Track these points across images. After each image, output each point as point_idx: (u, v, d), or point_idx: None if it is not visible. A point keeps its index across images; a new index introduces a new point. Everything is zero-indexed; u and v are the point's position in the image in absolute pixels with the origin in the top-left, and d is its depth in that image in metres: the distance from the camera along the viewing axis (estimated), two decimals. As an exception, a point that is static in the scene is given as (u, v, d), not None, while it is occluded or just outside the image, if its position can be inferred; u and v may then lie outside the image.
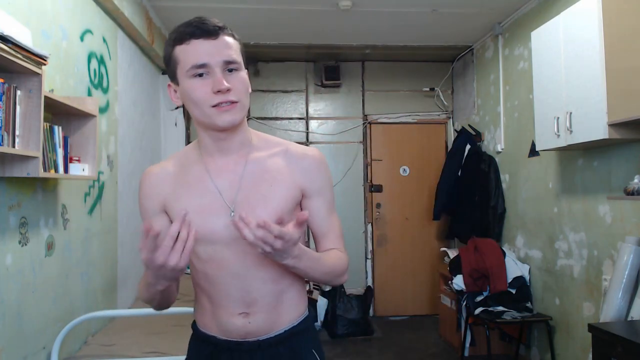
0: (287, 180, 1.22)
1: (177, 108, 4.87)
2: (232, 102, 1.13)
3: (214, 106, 1.12)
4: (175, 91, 1.20)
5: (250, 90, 1.20)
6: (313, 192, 1.26)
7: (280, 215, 1.14)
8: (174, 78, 1.18)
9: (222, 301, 1.22)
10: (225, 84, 1.10)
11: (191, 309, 2.35)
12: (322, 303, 4.78)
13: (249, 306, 1.21)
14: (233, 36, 1.17)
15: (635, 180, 2.50)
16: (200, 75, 1.12)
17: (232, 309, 1.21)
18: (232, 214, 1.17)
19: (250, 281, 1.20)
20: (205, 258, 1.21)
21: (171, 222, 1.23)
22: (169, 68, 1.19)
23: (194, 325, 1.34)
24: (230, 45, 1.14)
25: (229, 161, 1.22)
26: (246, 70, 1.20)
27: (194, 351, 1.32)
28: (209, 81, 1.12)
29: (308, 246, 1.21)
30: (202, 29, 1.12)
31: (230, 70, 1.13)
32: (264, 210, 1.17)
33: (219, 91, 1.10)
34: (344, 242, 1.33)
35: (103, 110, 3.15)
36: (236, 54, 1.15)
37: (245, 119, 1.23)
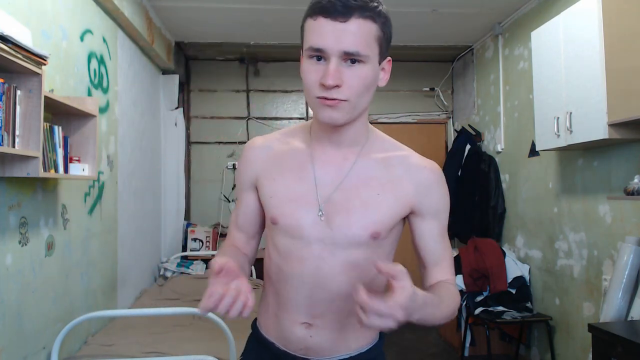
0: (399, 193, 1.08)
1: (176, 108, 4.87)
2: (338, 100, 0.98)
3: (317, 98, 0.99)
4: (302, 62, 1.05)
5: (381, 84, 1.05)
6: (428, 212, 1.10)
7: (377, 230, 1.06)
8: (302, 48, 1.04)
9: (288, 304, 1.11)
10: (332, 79, 0.95)
11: (191, 309, 2.36)
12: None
13: (314, 318, 1.10)
14: (374, 19, 0.98)
15: (635, 180, 2.50)
16: (318, 58, 0.98)
17: (295, 315, 1.10)
18: (321, 213, 1.07)
19: (320, 290, 1.08)
20: (284, 252, 1.11)
21: (259, 199, 1.17)
22: (301, 37, 1.05)
23: (255, 325, 1.24)
24: (360, 32, 0.96)
25: (338, 154, 1.10)
26: (386, 59, 1.04)
27: (254, 354, 1.21)
28: (322, 68, 0.98)
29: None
30: (334, 6, 0.95)
31: (353, 62, 0.97)
32: (360, 220, 1.06)
33: (324, 84, 0.97)
34: (454, 272, 1.16)
35: (103, 110, 3.15)
36: (365, 43, 0.97)
37: (364, 115, 1.09)
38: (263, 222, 1.23)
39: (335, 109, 0.99)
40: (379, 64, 1.03)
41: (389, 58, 1.05)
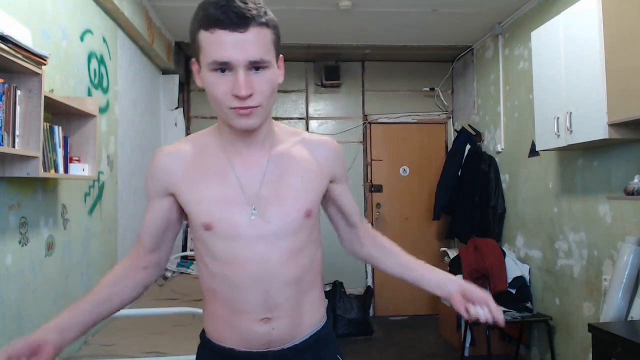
0: (317, 168, 1.18)
1: (176, 108, 4.87)
2: (252, 107, 1.03)
3: (232, 108, 1.03)
4: (198, 72, 1.08)
5: (280, 81, 1.10)
6: (341, 177, 1.26)
7: (309, 207, 1.14)
8: (197, 59, 1.06)
9: (242, 306, 1.13)
10: (244, 90, 0.99)
11: (191, 309, 2.36)
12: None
13: (272, 311, 1.13)
14: (267, 25, 1.02)
15: (635, 180, 2.50)
16: (222, 70, 1.00)
17: (253, 314, 1.12)
18: (254, 210, 1.10)
19: (272, 283, 1.12)
20: (225, 258, 1.12)
21: (177, 212, 1.19)
22: (192, 47, 1.06)
23: (204, 336, 1.24)
24: (260, 40, 1.00)
25: (253, 154, 1.14)
26: (278, 60, 1.09)
27: None
28: (230, 79, 1.00)
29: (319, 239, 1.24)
30: (229, 17, 0.97)
31: (258, 69, 1.01)
32: (294, 204, 1.13)
33: (237, 96, 1.00)
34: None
35: (103, 110, 3.15)
36: (266, 50, 1.01)
37: (269, 115, 1.14)
38: (168, 240, 1.23)
39: (251, 116, 1.04)
40: (277, 63, 1.08)
41: (281, 56, 1.10)
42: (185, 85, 5.21)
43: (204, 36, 1.00)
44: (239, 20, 0.97)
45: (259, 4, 1.02)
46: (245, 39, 0.98)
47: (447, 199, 4.84)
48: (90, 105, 2.46)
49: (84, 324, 1.14)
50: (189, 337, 2.82)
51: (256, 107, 1.03)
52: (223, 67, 1.00)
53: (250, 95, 1.01)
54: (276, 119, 5.66)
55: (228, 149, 1.14)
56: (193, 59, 1.08)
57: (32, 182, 2.25)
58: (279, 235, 1.11)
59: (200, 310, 2.21)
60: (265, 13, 1.02)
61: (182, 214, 1.21)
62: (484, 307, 1.15)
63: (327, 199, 1.27)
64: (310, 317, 1.20)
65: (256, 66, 1.01)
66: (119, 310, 1.21)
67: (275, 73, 1.07)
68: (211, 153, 1.15)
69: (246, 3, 0.99)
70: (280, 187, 1.13)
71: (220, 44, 0.98)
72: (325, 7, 3.87)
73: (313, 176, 1.17)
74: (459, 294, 1.18)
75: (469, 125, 4.93)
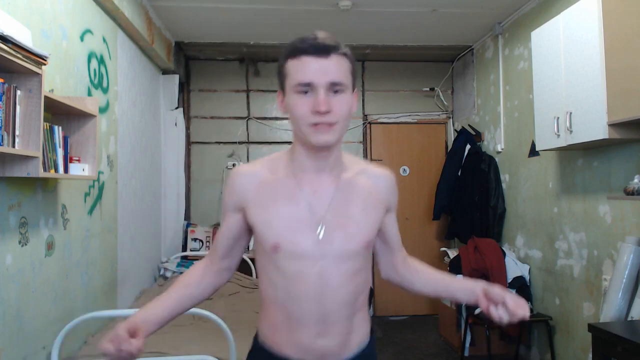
0: (377, 199, 1.28)
1: (176, 108, 4.87)
2: (330, 124, 1.15)
3: (312, 125, 1.15)
4: (282, 100, 1.22)
5: (354, 109, 1.22)
6: (392, 208, 1.36)
7: (369, 239, 1.25)
8: (282, 88, 1.21)
9: (302, 320, 1.22)
10: (324, 106, 1.12)
11: (193, 309, 2.35)
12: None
13: (328, 327, 1.22)
14: (345, 55, 1.18)
15: (635, 180, 2.50)
16: (305, 92, 1.14)
17: (311, 328, 1.22)
18: (322, 229, 1.20)
19: (332, 300, 1.21)
20: (291, 275, 1.21)
21: (248, 225, 1.27)
22: (279, 78, 1.21)
23: (258, 341, 1.32)
24: (339, 66, 1.16)
25: (322, 179, 1.24)
26: (354, 91, 1.22)
27: None
28: (312, 100, 1.14)
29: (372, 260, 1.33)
30: (314, 47, 1.14)
31: (336, 92, 1.15)
32: (357, 232, 1.23)
33: (317, 111, 1.13)
34: None
35: (103, 110, 3.15)
36: (344, 75, 1.16)
37: (341, 139, 1.23)
38: (239, 248, 1.35)
39: (328, 133, 1.15)
40: (352, 93, 1.21)
41: (356, 90, 1.24)
42: (185, 85, 5.21)
43: (291, 64, 1.16)
44: (323, 49, 1.14)
45: (339, 41, 1.18)
46: (327, 63, 1.14)
47: (447, 199, 4.84)
48: (90, 105, 2.46)
49: (163, 319, 1.26)
50: (189, 337, 2.82)
51: (334, 123, 1.15)
52: (306, 88, 1.14)
53: (329, 113, 1.13)
54: (276, 119, 5.64)
55: (298, 175, 1.24)
56: (278, 91, 1.23)
57: (32, 182, 2.25)
58: (341, 258, 1.21)
59: (200, 311, 2.21)
60: (345, 47, 1.19)
61: (249, 233, 1.33)
62: (501, 307, 1.21)
63: None
64: (358, 334, 1.29)
65: (335, 89, 1.14)
66: (190, 309, 1.33)
67: (351, 98, 1.20)
68: (282, 177, 1.25)
69: (326, 38, 1.16)
70: (345, 215, 1.23)
71: (305, 67, 1.14)
72: (325, 7, 3.87)
73: (373, 209, 1.27)
74: (482, 293, 1.26)
75: (469, 125, 4.93)
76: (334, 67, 1.14)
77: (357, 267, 1.24)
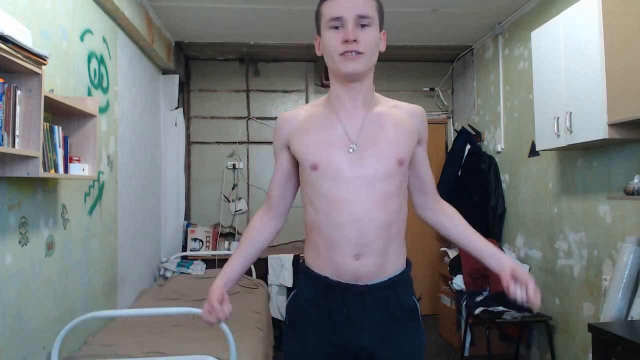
0: (410, 127, 1.39)
1: (176, 108, 4.87)
2: (358, 53, 1.27)
3: (341, 54, 1.28)
4: (319, 43, 1.35)
5: (382, 48, 1.35)
6: (423, 142, 1.45)
7: (402, 157, 1.34)
8: (319, 31, 1.35)
9: (339, 242, 1.32)
10: (352, 35, 1.25)
11: (191, 309, 2.36)
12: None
13: (363, 249, 1.31)
14: None
15: (635, 180, 2.50)
16: (336, 28, 1.28)
17: (347, 250, 1.31)
18: (353, 148, 1.32)
19: (366, 224, 1.30)
20: (328, 196, 1.32)
21: (293, 156, 1.41)
22: (316, 22, 1.35)
23: (304, 264, 1.45)
24: (367, 3, 1.29)
25: (356, 109, 1.36)
26: (382, 31, 1.34)
27: (307, 288, 1.42)
28: (341, 33, 1.27)
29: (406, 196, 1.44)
30: None
31: (363, 26, 1.28)
32: (389, 150, 1.33)
33: (346, 41, 1.26)
34: None
35: (103, 110, 3.15)
36: (370, 10, 1.29)
37: (372, 75, 1.37)
38: (290, 190, 1.50)
39: (356, 61, 1.28)
40: (380, 31, 1.34)
41: (384, 31, 1.37)
42: (185, 85, 5.21)
43: (325, 5, 1.31)
44: None
45: None
46: (355, 0, 1.27)
47: (446, 199, 4.81)
48: (90, 105, 2.46)
49: (239, 276, 1.47)
50: (189, 337, 2.82)
51: (361, 53, 1.28)
52: (337, 23, 1.28)
53: (356, 42, 1.26)
54: (275, 118, 5.64)
55: (335, 104, 1.38)
56: (316, 37, 1.38)
57: (32, 182, 2.25)
58: (374, 178, 1.31)
59: (200, 311, 2.21)
60: None
61: (297, 170, 1.45)
62: (523, 289, 1.32)
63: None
64: (393, 261, 1.38)
65: (362, 23, 1.28)
66: (259, 255, 1.51)
67: (378, 34, 1.32)
68: (320, 110, 1.41)
69: None
70: (377, 137, 1.34)
71: (335, 5, 1.29)
72: (325, 7, 3.86)
73: (406, 131, 1.37)
74: (509, 270, 1.36)
75: (469, 125, 4.93)
76: (362, 3, 1.28)
77: (391, 188, 1.33)
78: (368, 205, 1.30)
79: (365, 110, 1.37)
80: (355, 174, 1.31)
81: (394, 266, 1.39)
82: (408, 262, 1.47)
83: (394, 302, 1.37)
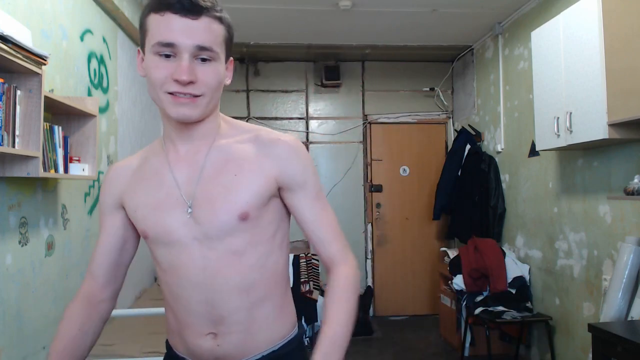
0: (256, 169, 1.04)
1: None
2: (194, 96, 0.97)
3: (169, 93, 0.96)
4: (142, 61, 1.02)
5: (228, 82, 1.05)
6: (294, 184, 1.06)
7: (245, 210, 1.01)
8: (142, 46, 1.01)
9: (187, 318, 1.06)
10: (186, 75, 0.94)
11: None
12: (322, 303, 4.78)
13: (217, 325, 1.04)
14: (221, 20, 1.00)
15: (635, 180, 2.50)
16: (167, 56, 0.95)
17: (198, 327, 1.05)
18: (190, 210, 1.02)
19: (214, 293, 1.03)
20: (164, 265, 1.07)
21: (128, 219, 1.13)
22: (140, 33, 1.01)
23: (167, 343, 1.19)
24: (211, 31, 0.97)
25: (190, 149, 1.06)
26: (228, 61, 1.05)
27: None
28: (172, 64, 0.95)
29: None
30: (182, 3, 0.94)
31: (204, 60, 0.97)
32: (225, 205, 1.01)
33: (177, 80, 0.94)
34: (342, 236, 1.10)
35: (103, 110, 3.15)
36: (215, 42, 0.97)
37: (216, 110, 1.07)
38: (123, 264, 1.19)
39: (190, 106, 0.97)
40: (225, 64, 1.03)
41: (231, 58, 1.06)
42: (185, 85, 5.20)
43: (153, 19, 0.96)
44: (192, 7, 0.95)
45: (216, 2, 1.00)
46: (195, 25, 0.95)
47: (447, 199, 4.84)
48: (90, 105, 2.46)
49: None
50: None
51: (197, 96, 0.97)
52: (167, 51, 0.95)
53: (192, 83, 0.95)
54: (276, 119, 5.63)
55: (168, 147, 1.09)
56: (138, 49, 1.04)
57: (32, 182, 2.25)
58: (212, 237, 1.02)
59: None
60: (221, 10, 1.00)
61: (137, 235, 1.16)
62: None
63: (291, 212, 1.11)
64: (265, 333, 1.07)
65: (203, 57, 0.96)
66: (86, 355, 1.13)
67: (223, 69, 1.01)
68: (154, 157, 1.11)
69: None
70: (213, 186, 1.03)
71: (168, 26, 0.94)
72: (325, 7, 3.87)
73: (250, 174, 1.03)
74: None
75: (469, 125, 4.93)
76: (204, 30, 0.95)
77: (238, 245, 1.03)
78: (212, 268, 1.02)
79: (205, 147, 1.06)
80: (189, 234, 1.02)
81: (269, 338, 1.07)
82: (299, 326, 1.15)
83: None
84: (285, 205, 1.10)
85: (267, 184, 1.04)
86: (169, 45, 0.94)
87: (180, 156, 1.07)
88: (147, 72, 0.99)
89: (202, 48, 0.95)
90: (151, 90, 1.00)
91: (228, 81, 1.05)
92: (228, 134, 1.08)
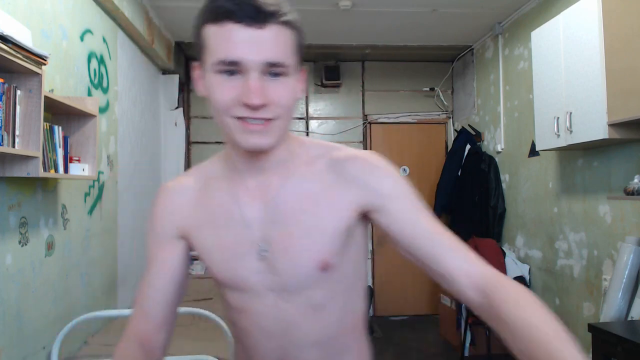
0: (334, 202, 0.88)
1: (176, 108, 4.87)
2: (266, 120, 0.81)
3: (238, 119, 0.81)
4: (201, 78, 0.86)
5: (300, 96, 0.88)
6: (382, 201, 0.88)
7: (325, 259, 0.88)
8: (201, 62, 0.85)
9: (258, 357, 0.96)
10: (257, 98, 0.78)
11: (191, 309, 2.36)
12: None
13: None
14: (289, 25, 0.83)
15: (635, 180, 2.50)
16: (231, 72, 0.79)
17: None
18: (264, 254, 0.89)
19: (289, 344, 0.92)
20: (234, 304, 0.95)
21: (188, 251, 1.00)
22: (196, 46, 0.85)
23: None
24: (280, 41, 0.81)
25: (263, 183, 0.91)
26: (301, 70, 0.88)
27: None
28: (239, 83, 0.79)
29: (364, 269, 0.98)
30: (244, 9, 0.78)
31: (275, 74, 0.81)
32: (303, 253, 0.88)
33: (247, 104, 0.79)
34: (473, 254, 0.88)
35: (103, 110, 3.15)
36: (286, 54, 0.82)
37: (288, 133, 0.91)
38: (182, 291, 1.02)
39: (262, 133, 0.82)
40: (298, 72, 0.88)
41: (303, 67, 0.90)
42: (185, 85, 5.20)
43: (211, 31, 0.80)
44: (256, 14, 0.78)
45: (281, 1, 0.83)
46: (262, 36, 0.78)
47: (447, 199, 4.84)
48: (90, 105, 2.46)
49: None
50: (189, 337, 2.82)
51: (271, 119, 0.81)
52: (232, 68, 0.79)
53: (264, 106, 0.80)
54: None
55: (234, 178, 0.92)
56: (195, 63, 0.88)
57: (32, 182, 2.25)
58: (291, 290, 0.90)
59: (200, 311, 2.21)
60: (289, 12, 0.84)
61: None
62: None
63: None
64: None
65: (273, 72, 0.80)
66: None
67: (296, 83, 0.86)
68: (216, 185, 0.94)
69: None
70: (288, 229, 0.88)
71: (230, 39, 0.78)
72: (325, 7, 3.87)
73: (328, 211, 0.88)
74: None
75: (469, 125, 4.93)
76: (272, 42, 0.79)
77: (319, 298, 0.91)
78: (287, 322, 0.91)
79: (279, 180, 0.90)
80: (264, 283, 0.90)
81: None
82: None
83: None
84: (363, 243, 0.97)
85: (349, 218, 0.89)
86: (233, 63, 0.79)
87: (250, 191, 0.91)
88: (209, 92, 0.83)
89: (272, 64, 0.80)
90: (215, 114, 0.84)
91: (300, 95, 0.88)
92: (300, 159, 0.92)
